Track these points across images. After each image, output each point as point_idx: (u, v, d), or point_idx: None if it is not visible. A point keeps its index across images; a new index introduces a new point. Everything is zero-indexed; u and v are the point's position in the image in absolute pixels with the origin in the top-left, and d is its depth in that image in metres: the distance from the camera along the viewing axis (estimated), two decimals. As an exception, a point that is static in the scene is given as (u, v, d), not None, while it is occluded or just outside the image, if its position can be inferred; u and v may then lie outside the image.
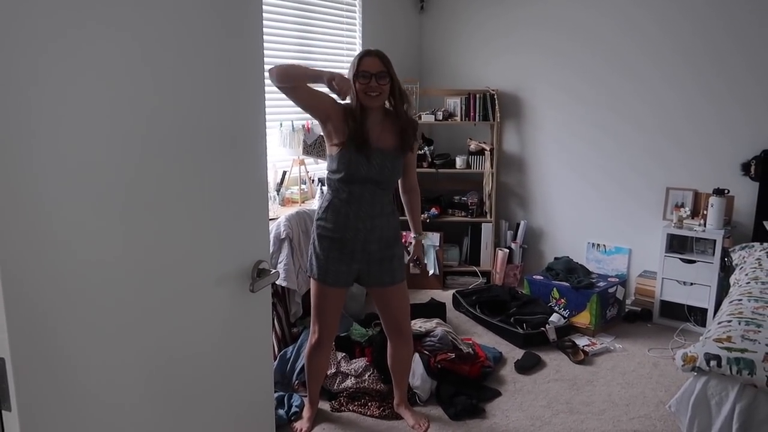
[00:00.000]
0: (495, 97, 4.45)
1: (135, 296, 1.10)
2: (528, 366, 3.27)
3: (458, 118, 4.55)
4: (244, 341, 1.41)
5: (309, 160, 3.92)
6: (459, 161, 4.54)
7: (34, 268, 0.92)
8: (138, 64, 1.06)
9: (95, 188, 1.01)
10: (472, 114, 4.51)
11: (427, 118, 4.53)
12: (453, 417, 2.77)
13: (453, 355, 3.04)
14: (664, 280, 3.87)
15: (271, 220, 3.12)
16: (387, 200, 2.46)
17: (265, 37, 1.39)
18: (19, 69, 0.87)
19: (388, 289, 2.50)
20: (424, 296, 4.21)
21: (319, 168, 4.04)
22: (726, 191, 3.68)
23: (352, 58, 2.39)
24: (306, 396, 2.75)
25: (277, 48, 3.77)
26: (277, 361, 3.03)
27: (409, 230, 2.68)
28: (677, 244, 3.88)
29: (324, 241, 2.41)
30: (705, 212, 3.76)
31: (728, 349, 2.21)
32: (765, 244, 3.50)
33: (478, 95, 4.48)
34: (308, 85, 2.30)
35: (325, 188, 2.39)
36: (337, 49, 4.29)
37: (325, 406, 2.83)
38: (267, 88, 1.40)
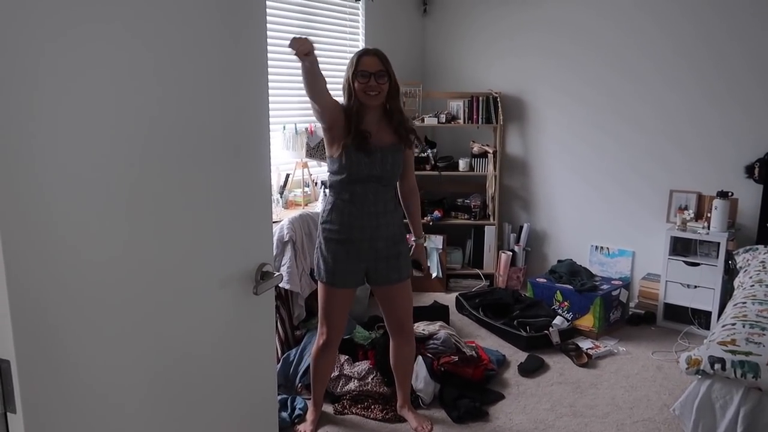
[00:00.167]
0: (498, 99, 4.45)
1: (139, 298, 1.11)
2: (531, 369, 3.26)
3: (461, 121, 4.55)
4: (247, 344, 1.41)
5: (312, 162, 3.93)
6: (462, 164, 4.54)
7: (38, 271, 0.93)
8: (142, 67, 1.06)
9: (99, 191, 1.01)
10: (475, 117, 4.51)
11: (430, 120, 4.53)
12: (456, 420, 2.76)
13: (456, 358, 3.03)
14: (668, 282, 3.86)
15: (274, 222, 3.13)
16: (390, 197, 2.47)
17: (269, 41, 1.40)
18: (25, 73, 0.88)
19: (395, 287, 2.51)
20: (427, 299, 4.21)
21: (322, 170, 4.05)
22: (730, 194, 3.67)
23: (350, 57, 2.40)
24: (309, 399, 2.75)
25: (280, 52, 3.78)
26: (280, 363, 3.03)
27: (410, 233, 2.68)
28: (681, 247, 3.87)
29: (330, 243, 2.41)
30: (709, 215, 3.75)
31: (732, 352, 2.20)
32: (769, 247, 3.49)
33: (481, 98, 4.48)
34: (327, 91, 2.30)
35: (327, 191, 2.39)
36: (340, 52, 4.30)
37: (328, 408, 2.83)
38: (271, 91, 1.41)
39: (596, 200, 4.40)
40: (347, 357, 3.04)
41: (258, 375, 1.47)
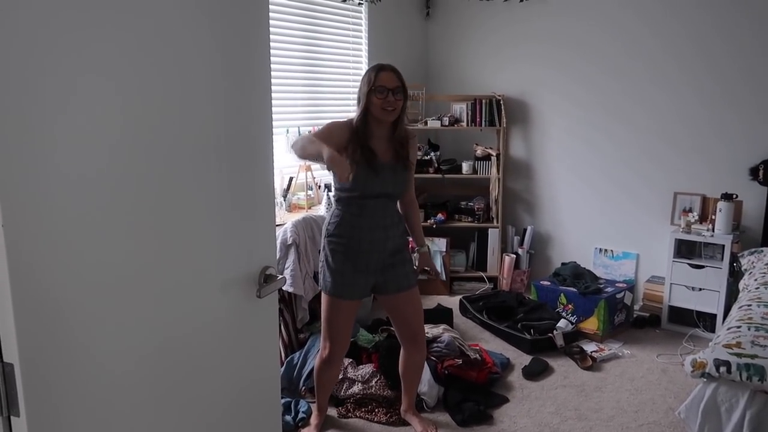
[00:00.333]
0: (501, 102, 4.45)
1: (142, 301, 1.11)
2: (536, 372, 3.25)
3: (464, 124, 4.55)
4: (250, 346, 1.41)
5: (315, 166, 3.92)
6: (465, 167, 4.53)
7: (42, 275, 0.93)
8: (144, 70, 1.07)
9: (103, 194, 1.01)
10: (478, 119, 4.51)
11: (433, 123, 4.53)
12: (460, 423, 2.75)
13: (460, 361, 3.03)
14: (673, 285, 3.85)
15: (277, 226, 3.13)
16: (395, 209, 2.48)
17: (272, 44, 1.40)
18: (31, 74, 0.88)
19: (405, 294, 2.48)
20: (431, 302, 4.20)
21: (326, 174, 4.05)
22: (734, 196, 3.66)
23: (364, 72, 2.37)
24: (313, 402, 2.75)
25: (284, 56, 3.79)
26: (284, 367, 3.03)
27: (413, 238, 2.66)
28: (685, 250, 3.86)
29: (338, 255, 2.38)
30: (713, 217, 3.73)
31: (738, 354, 2.19)
32: (774, 249, 3.47)
33: (484, 101, 4.48)
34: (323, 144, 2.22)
35: (332, 194, 2.38)
36: (343, 56, 4.31)
37: (332, 412, 2.83)
38: (274, 95, 1.41)
39: (600, 203, 4.39)
40: (351, 360, 3.03)
41: (261, 378, 1.46)
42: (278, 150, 3.71)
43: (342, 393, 2.90)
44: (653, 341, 3.73)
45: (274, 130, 1.43)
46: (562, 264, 4.29)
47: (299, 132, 3.82)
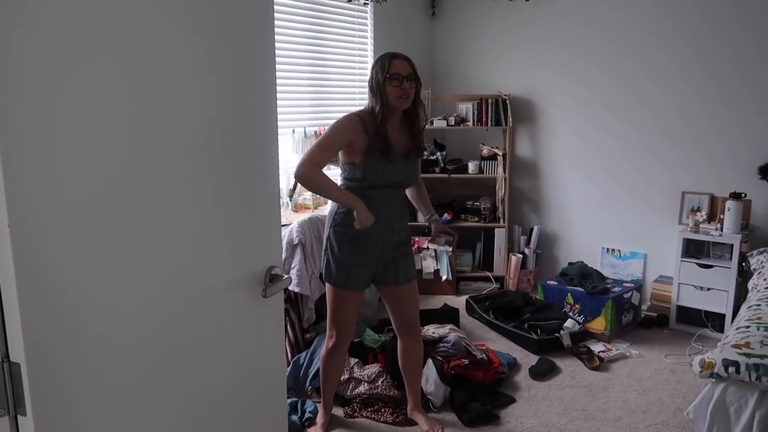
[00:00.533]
0: (507, 101, 4.43)
1: (148, 300, 1.11)
2: (542, 372, 3.24)
3: (470, 123, 4.54)
4: (256, 346, 1.41)
5: (321, 166, 3.92)
6: (471, 166, 4.53)
7: (48, 275, 0.93)
8: (154, 70, 1.07)
9: (108, 194, 1.02)
10: (484, 119, 4.50)
11: (439, 123, 4.52)
12: (467, 423, 2.75)
13: (467, 361, 3.02)
14: (681, 285, 3.82)
15: (283, 226, 3.14)
16: (401, 200, 2.50)
17: (277, 44, 1.40)
18: (35, 75, 0.89)
19: (404, 287, 2.51)
20: (437, 302, 4.20)
21: (332, 174, 4.04)
22: (743, 195, 3.64)
23: (375, 61, 2.35)
24: (319, 402, 2.75)
25: (289, 56, 3.79)
26: (290, 366, 3.03)
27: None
28: (694, 249, 3.83)
29: (345, 246, 2.38)
30: (722, 216, 3.71)
31: (747, 355, 2.17)
32: (784, 249, 3.45)
33: (490, 100, 4.47)
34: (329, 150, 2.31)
35: (340, 183, 2.37)
36: (348, 55, 4.31)
37: (338, 412, 2.83)
38: (280, 95, 1.41)
39: (607, 202, 4.37)
40: (357, 360, 3.03)
41: (267, 378, 1.47)
42: (284, 150, 3.72)
43: (348, 393, 2.90)
44: (661, 341, 3.71)
45: (279, 130, 1.43)
46: (569, 264, 4.28)
47: (305, 132, 3.83)
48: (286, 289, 2.63)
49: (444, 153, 4.58)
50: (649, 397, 3.01)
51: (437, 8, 4.92)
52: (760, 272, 3.31)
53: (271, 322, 1.44)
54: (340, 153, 2.39)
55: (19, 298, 0.88)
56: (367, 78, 2.37)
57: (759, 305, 2.73)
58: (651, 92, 4.08)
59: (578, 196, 4.50)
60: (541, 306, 3.88)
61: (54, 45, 0.91)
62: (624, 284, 3.94)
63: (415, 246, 4.30)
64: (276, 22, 1.39)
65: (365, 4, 4.33)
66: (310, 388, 2.96)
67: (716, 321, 3.74)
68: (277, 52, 1.38)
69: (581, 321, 3.73)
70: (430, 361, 2.96)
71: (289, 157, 3.78)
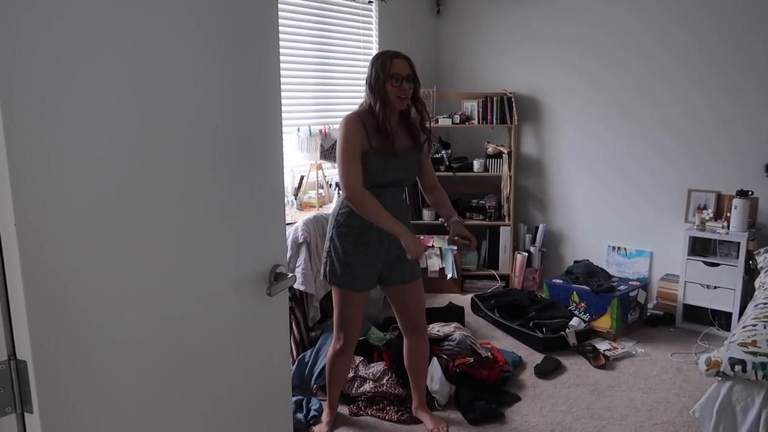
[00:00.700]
0: (512, 100, 4.42)
1: (154, 299, 1.11)
2: (548, 370, 3.23)
3: (475, 122, 4.53)
4: (261, 344, 1.41)
5: (326, 164, 3.93)
6: (476, 164, 4.52)
7: (55, 273, 0.94)
8: (157, 70, 1.07)
9: (114, 193, 1.02)
10: (489, 117, 4.49)
11: (444, 121, 4.52)
12: (472, 422, 2.75)
13: (472, 360, 3.02)
14: (687, 283, 3.81)
15: (288, 224, 3.15)
16: (403, 198, 2.51)
17: (282, 43, 1.40)
18: (38, 75, 0.89)
19: (409, 286, 2.50)
20: (442, 300, 4.20)
21: (336, 172, 4.05)
22: (750, 193, 3.62)
23: (375, 57, 2.35)
24: (324, 400, 2.76)
25: (295, 55, 3.80)
26: (295, 365, 3.04)
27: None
28: (700, 247, 3.82)
29: (349, 246, 2.38)
30: (728, 214, 3.69)
31: (753, 353, 2.16)
32: (791, 247, 3.42)
33: (495, 98, 4.46)
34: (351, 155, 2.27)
35: (341, 192, 2.38)
36: (353, 54, 4.31)
37: (343, 410, 2.83)
38: (285, 94, 1.41)
39: (613, 200, 4.36)
40: (362, 358, 3.04)
41: (272, 376, 1.47)
42: (289, 149, 3.73)
43: (353, 391, 2.90)
44: (667, 340, 3.69)
45: (285, 128, 1.44)
46: (575, 262, 4.27)
47: (310, 131, 3.83)
48: (291, 288, 2.63)
49: (449, 151, 4.58)
50: (655, 396, 3.00)
51: (442, 6, 4.92)
52: (767, 270, 3.29)
53: (275, 321, 1.44)
54: None
55: (25, 296, 0.89)
56: (366, 75, 2.36)
57: (766, 304, 2.72)
58: (656, 89, 4.06)
59: (584, 194, 4.49)
60: (546, 304, 3.87)
61: (61, 45, 0.91)
62: (630, 282, 3.93)
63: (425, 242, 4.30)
64: (281, 21, 1.39)
65: (370, 2, 4.33)
66: (315, 386, 2.97)
67: (723, 319, 3.72)
68: (282, 50, 1.39)
69: (587, 319, 3.72)
70: (435, 359, 2.96)
71: (295, 156, 3.79)
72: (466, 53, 4.88)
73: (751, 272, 3.57)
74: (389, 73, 2.27)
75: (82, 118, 0.96)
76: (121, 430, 1.08)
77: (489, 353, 3.15)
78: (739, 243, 3.60)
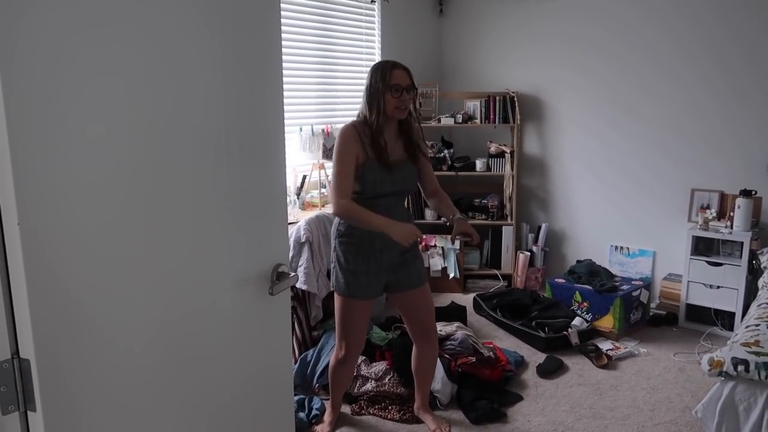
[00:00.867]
0: (515, 99, 4.42)
1: (156, 298, 1.12)
2: (550, 370, 3.23)
3: (478, 121, 4.53)
4: (263, 343, 1.41)
5: (329, 164, 3.94)
6: (479, 164, 4.52)
7: (58, 272, 0.94)
8: (159, 69, 1.07)
9: (116, 192, 1.02)
10: (491, 116, 4.49)
11: (446, 121, 4.52)
12: (474, 421, 2.75)
13: (474, 359, 3.02)
14: (690, 283, 3.80)
15: (291, 224, 3.15)
16: (404, 206, 2.49)
17: (285, 43, 1.41)
18: (41, 74, 0.89)
19: (417, 291, 2.48)
20: (444, 299, 4.20)
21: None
22: (753, 192, 3.61)
23: (374, 67, 2.33)
24: (327, 399, 2.76)
25: (297, 54, 3.80)
26: (297, 364, 3.04)
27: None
28: (703, 247, 3.81)
29: (350, 255, 2.37)
30: (731, 214, 3.68)
31: (756, 353, 2.16)
32: (794, 246, 3.42)
33: (497, 98, 4.46)
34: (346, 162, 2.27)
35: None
36: (356, 53, 4.31)
37: (345, 409, 2.83)
38: (287, 93, 1.42)
39: (616, 200, 4.35)
40: (364, 358, 3.04)
41: (274, 375, 1.47)
42: (291, 148, 3.73)
43: (355, 390, 2.91)
44: (670, 339, 3.69)
45: (287, 128, 1.44)
46: (577, 261, 4.26)
47: (312, 130, 3.83)
48: (293, 287, 2.63)
49: (451, 151, 4.58)
50: (658, 396, 3.00)
51: (445, 6, 4.91)
52: (770, 270, 3.29)
53: (278, 320, 1.45)
54: None
55: (28, 295, 0.89)
56: (365, 84, 2.32)
57: (769, 303, 2.72)
58: (660, 88, 4.05)
59: (586, 194, 4.48)
60: (548, 304, 3.87)
61: (63, 39, 0.91)
62: (632, 282, 3.92)
63: (422, 244, 4.30)
64: (284, 20, 1.40)
65: (372, 2, 4.32)
66: (317, 385, 2.97)
67: (726, 319, 3.71)
68: (284, 49, 1.39)
69: (589, 319, 3.72)
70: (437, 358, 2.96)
71: (297, 155, 3.79)
72: (468, 52, 4.88)
73: (754, 272, 3.57)
74: (389, 83, 2.26)
75: (86, 117, 0.96)
76: (124, 428, 1.09)
77: (491, 353, 3.15)
78: (742, 243, 3.59)
